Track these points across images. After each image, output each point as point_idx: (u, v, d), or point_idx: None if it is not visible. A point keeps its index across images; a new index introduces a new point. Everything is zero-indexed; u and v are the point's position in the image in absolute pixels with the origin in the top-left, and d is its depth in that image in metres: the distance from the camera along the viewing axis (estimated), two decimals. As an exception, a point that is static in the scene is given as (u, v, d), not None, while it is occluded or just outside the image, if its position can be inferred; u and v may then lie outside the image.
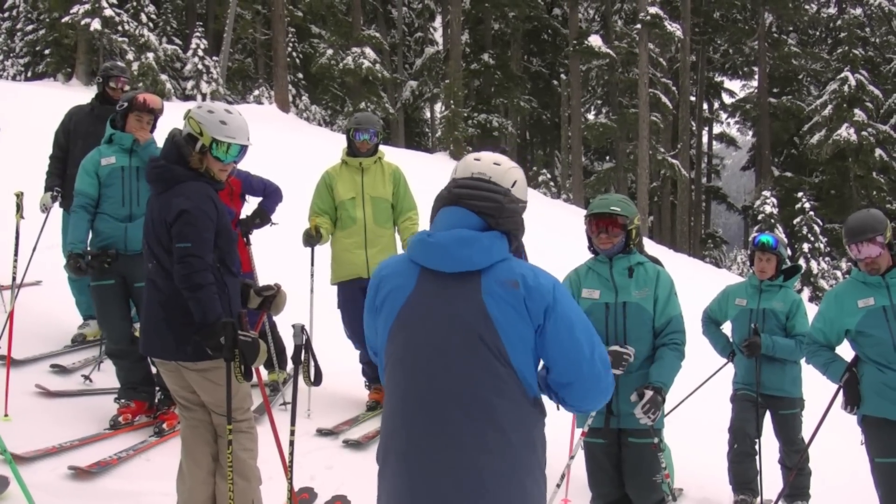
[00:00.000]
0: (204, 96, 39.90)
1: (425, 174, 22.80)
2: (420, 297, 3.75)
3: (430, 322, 3.70)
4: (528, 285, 3.66)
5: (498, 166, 4.01)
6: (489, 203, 3.78)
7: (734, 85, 65.60)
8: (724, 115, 65.38)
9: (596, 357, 3.77)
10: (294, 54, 49.72)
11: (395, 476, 3.69)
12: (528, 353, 3.69)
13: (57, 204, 9.57)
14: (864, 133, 45.79)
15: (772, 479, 8.70)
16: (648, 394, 6.04)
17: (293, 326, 5.78)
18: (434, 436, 3.60)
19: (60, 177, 9.53)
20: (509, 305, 3.64)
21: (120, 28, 39.66)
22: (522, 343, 3.66)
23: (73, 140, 9.47)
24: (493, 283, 3.67)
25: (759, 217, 44.38)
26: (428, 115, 61.22)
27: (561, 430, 7.58)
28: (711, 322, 8.96)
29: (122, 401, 8.00)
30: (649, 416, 6.04)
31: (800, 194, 45.95)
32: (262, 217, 8.98)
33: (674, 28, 45.13)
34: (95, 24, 38.15)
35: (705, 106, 61.96)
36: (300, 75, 50.74)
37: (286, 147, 22.53)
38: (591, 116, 56.38)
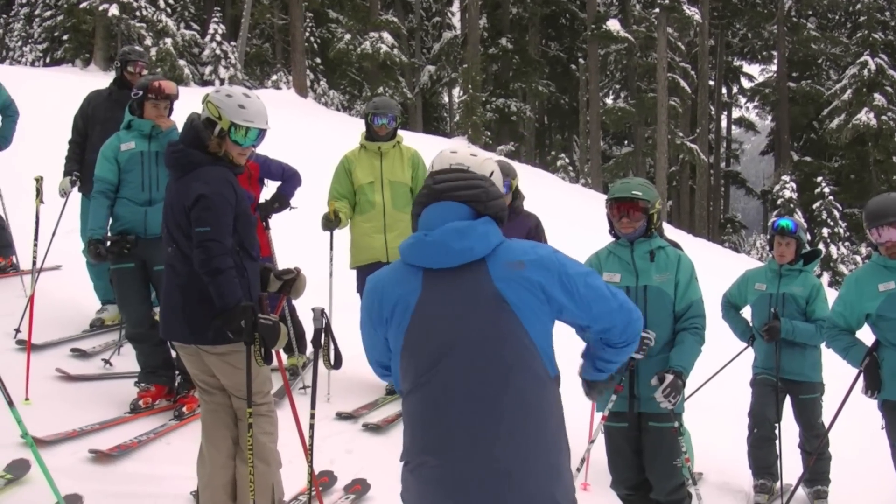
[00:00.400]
0: (222, 81, 39.94)
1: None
2: (431, 299, 3.73)
3: (448, 320, 3.67)
4: (531, 261, 3.68)
5: (475, 157, 4.11)
6: (474, 191, 3.80)
7: (753, 69, 65.45)
8: (742, 100, 65.15)
9: (618, 294, 3.87)
10: (312, 39, 49.78)
11: (431, 473, 3.68)
12: (545, 330, 3.72)
13: (76, 189, 9.58)
14: (883, 117, 45.54)
15: (792, 463, 8.68)
16: (669, 377, 6.04)
17: (313, 310, 5.77)
18: (469, 429, 3.59)
19: (79, 161, 9.54)
20: (520, 286, 3.65)
21: (138, 13, 39.73)
22: (539, 321, 3.67)
23: (91, 125, 9.47)
24: (500, 267, 3.67)
25: (779, 202, 44.25)
26: (446, 99, 61.22)
27: (581, 414, 7.56)
28: (731, 307, 8.93)
29: (143, 384, 8.02)
30: (670, 399, 6.03)
31: (819, 179, 45.82)
32: (281, 201, 8.96)
33: (692, 12, 44.97)
34: (113, 10, 38.23)
35: (724, 90, 61.76)
36: (318, 60, 50.75)
37: (304, 132, 22.52)
38: (609, 101, 56.11)
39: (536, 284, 3.65)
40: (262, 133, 5.98)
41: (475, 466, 3.56)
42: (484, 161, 4.10)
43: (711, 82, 55.83)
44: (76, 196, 9.67)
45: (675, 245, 6.84)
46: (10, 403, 5.92)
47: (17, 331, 8.81)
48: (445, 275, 3.71)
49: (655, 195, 6.44)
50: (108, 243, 7.87)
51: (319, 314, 5.74)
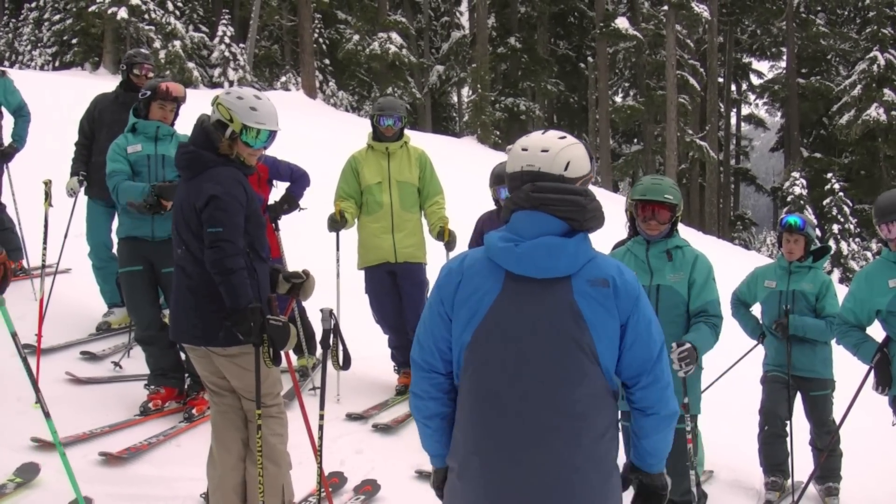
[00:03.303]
0: (231, 83, 40.04)
1: (452, 158, 22.81)
2: (509, 302, 3.70)
3: (521, 326, 3.67)
4: (616, 283, 3.69)
5: (546, 153, 3.81)
6: (571, 207, 3.71)
7: (762, 66, 65.42)
8: (752, 97, 65.10)
9: (663, 358, 3.83)
10: (320, 40, 49.86)
11: (481, 476, 3.67)
12: (614, 349, 3.72)
13: (82, 191, 9.59)
14: (893, 112, 45.38)
15: (803, 460, 8.66)
16: (687, 345, 6.06)
17: (321, 311, 5.78)
18: (524, 436, 3.61)
19: (85, 163, 9.55)
20: (599, 304, 3.66)
21: (146, 16, 39.79)
22: (610, 340, 3.69)
23: (98, 128, 9.47)
24: (583, 283, 3.67)
25: (789, 198, 44.13)
26: (455, 99, 61.26)
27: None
28: (741, 304, 8.91)
29: (152, 387, 8.03)
30: (683, 365, 6.04)
31: (829, 175, 45.66)
32: (291, 202, 8.97)
33: (701, 9, 44.95)
34: (122, 13, 38.31)
35: (733, 87, 61.75)
36: (327, 61, 50.84)
37: (314, 133, 22.55)
38: (618, 99, 56.11)
39: (613, 305, 3.68)
40: (272, 134, 5.98)
41: (523, 474, 3.59)
42: (557, 155, 3.80)
43: (721, 79, 55.82)
44: (84, 199, 9.67)
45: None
46: (47, 416, 5.91)
47: (38, 336, 8.77)
48: (527, 282, 3.69)
49: (681, 196, 6.46)
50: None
51: (328, 315, 5.75)
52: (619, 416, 3.88)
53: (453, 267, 3.91)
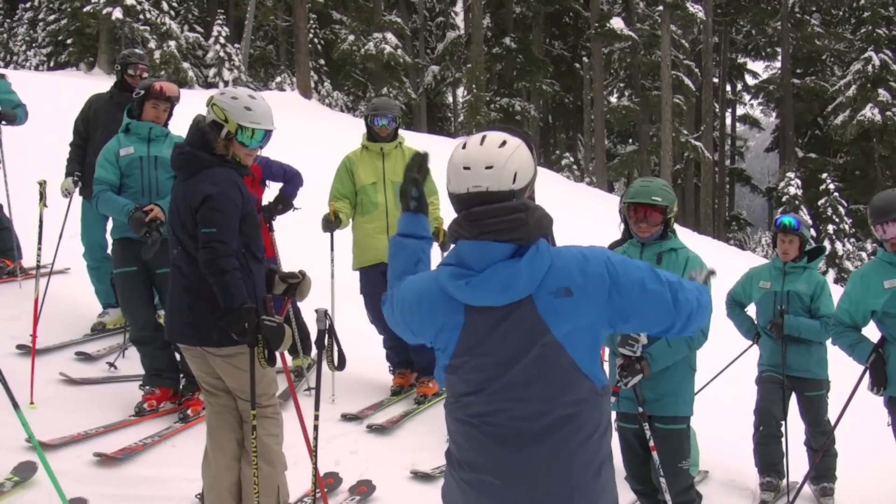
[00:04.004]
0: (226, 83, 40.00)
1: (447, 159, 22.82)
2: (474, 334, 3.58)
3: (493, 354, 3.56)
4: (579, 287, 3.53)
5: (491, 170, 3.53)
6: (512, 226, 3.49)
7: (757, 66, 65.42)
8: (747, 97, 65.27)
9: (679, 296, 3.68)
10: (315, 40, 49.79)
11: (472, 484, 3.65)
12: (595, 350, 3.64)
13: (77, 192, 9.58)
14: (888, 113, 45.55)
15: (798, 460, 8.67)
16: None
17: (316, 311, 5.79)
18: (513, 454, 3.56)
19: (80, 164, 9.54)
20: (569, 313, 3.52)
21: (141, 17, 39.78)
22: (589, 345, 3.60)
23: (92, 128, 9.46)
24: (546, 297, 3.51)
25: (784, 199, 44.26)
26: (450, 99, 61.26)
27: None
28: (735, 304, 8.92)
29: (147, 387, 8.02)
30: (622, 377, 6.06)
31: (824, 175, 45.82)
32: (285, 203, 8.97)
33: (696, 9, 45.04)
34: (117, 13, 38.33)
35: (728, 87, 61.87)
36: (322, 61, 50.84)
37: (309, 133, 22.52)
38: (613, 99, 56.13)
39: (585, 311, 3.54)
40: (268, 134, 5.99)
41: (517, 489, 3.57)
42: (504, 168, 3.53)
43: (716, 80, 55.92)
44: (78, 199, 9.67)
45: None
46: (16, 406, 5.92)
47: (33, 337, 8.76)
48: (489, 310, 3.55)
49: (673, 197, 6.45)
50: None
51: (323, 315, 5.76)
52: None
53: (411, 299, 3.76)
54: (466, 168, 3.56)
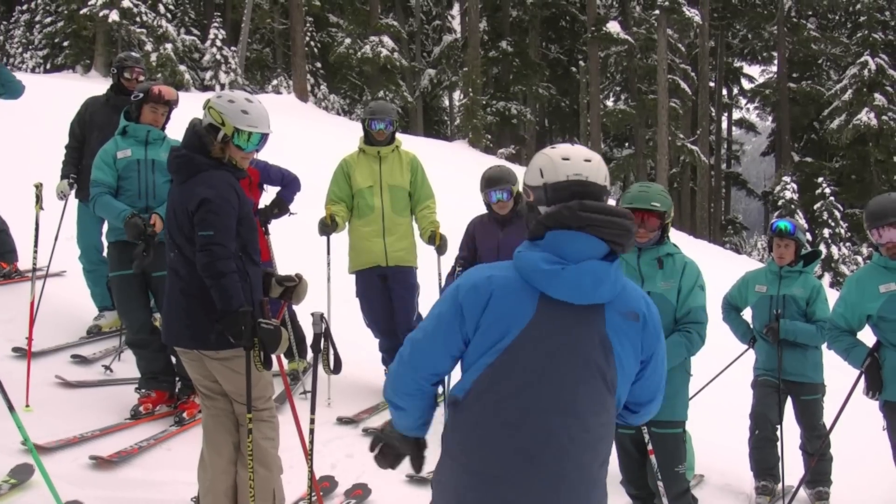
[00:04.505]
0: (222, 86, 39.98)
1: (444, 162, 22.80)
2: (540, 327, 3.55)
3: (550, 352, 3.54)
4: (645, 318, 3.66)
5: (589, 163, 3.68)
6: (618, 230, 3.57)
7: (753, 70, 65.52)
8: (743, 101, 65.24)
9: (664, 381, 3.90)
10: (312, 43, 49.80)
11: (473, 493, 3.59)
12: (628, 383, 3.71)
13: (73, 194, 9.58)
14: (884, 117, 45.62)
15: (793, 464, 8.68)
16: None
17: (312, 315, 5.79)
18: (536, 464, 3.52)
19: (76, 166, 9.53)
20: (628, 339, 3.61)
21: (138, 19, 39.72)
22: (627, 375, 3.67)
23: (88, 131, 9.45)
24: (615, 315, 3.59)
25: (780, 203, 44.27)
26: (446, 102, 61.27)
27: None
28: (731, 308, 8.93)
29: (143, 390, 8.02)
30: None
31: (820, 179, 45.81)
32: (281, 207, 8.97)
33: (692, 13, 45.07)
34: (114, 16, 38.25)
35: (724, 91, 61.83)
36: (318, 64, 50.81)
37: (305, 137, 22.54)
38: (609, 103, 56.13)
39: (639, 340, 3.64)
40: (264, 137, 5.98)
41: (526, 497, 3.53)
42: (600, 166, 3.70)
43: (712, 83, 55.94)
44: (74, 201, 9.66)
45: None
46: (11, 409, 5.93)
47: (28, 340, 8.75)
48: (562, 308, 3.55)
49: (671, 202, 6.46)
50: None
51: (319, 319, 5.76)
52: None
53: (479, 284, 3.66)
54: (566, 159, 3.67)
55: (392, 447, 3.98)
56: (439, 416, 3.84)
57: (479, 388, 3.61)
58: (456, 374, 3.81)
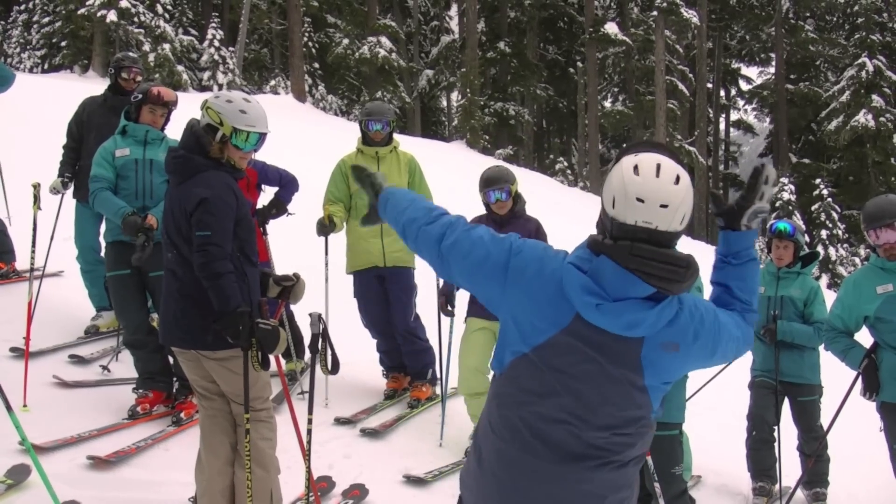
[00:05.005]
0: (220, 87, 39.96)
1: (442, 163, 22.80)
2: (571, 339, 3.49)
3: (579, 366, 3.49)
4: (687, 346, 3.54)
5: (665, 210, 3.40)
6: (668, 276, 3.39)
7: (751, 71, 65.51)
8: (741, 102, 65.37)
9: (718, 353, 3.69)
10: (310, 44, 49.77)
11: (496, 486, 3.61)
12: (666, 389, 3.62)
13: (70, 194, 9.57)
14: (882, 119, 45.66)
15: (790, 465, 8.69)
16: None
17: (310, 315, 5.79)
18: (578, 474, 3.51)
19: (73, 166, 9.52)
20: (664, 366, 3.53)
21: (136, 19, 39.70)
22: (664, 388, 3.60)
23: (86, 131, 9.44)
24: (655, 346, 3.49)
25: (777, 204, 44.24)
26: (444, 103, 61.26)
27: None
28: (729, 310, 8.93)
29: (140, 391, 8.01)
30: None
31: (818, 181, 45.82)
32: (279, 207, 8.97)
33: (690, 15, 45.11)
34: (111, 16, 38.22)
35: (722, 93, 61.91)
36: (316, 65, 50.77)
37: (303, 137, 22.53)
38: (607, 104, 56.21)
39: (679, 365, 3.58)
40: (262, 137, 5.98)
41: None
42: (676, 211, 3.44)
43: (710, 85, 55.94)
44: (71, 202, 9.65)
45: None
46: (9, 409, 5.93)
47: (26, 340, 8.73)
48: (597, 330, 3.47)
49: None
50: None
51: (316, 319, 5.75)
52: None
53: (536, 255, 3.65)
54: (640, 200, 3.41)
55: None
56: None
57: (510, 374, 3.63)
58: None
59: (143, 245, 7.48)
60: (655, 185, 3.40)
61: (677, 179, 3.44)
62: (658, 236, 3.42)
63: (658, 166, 3.44)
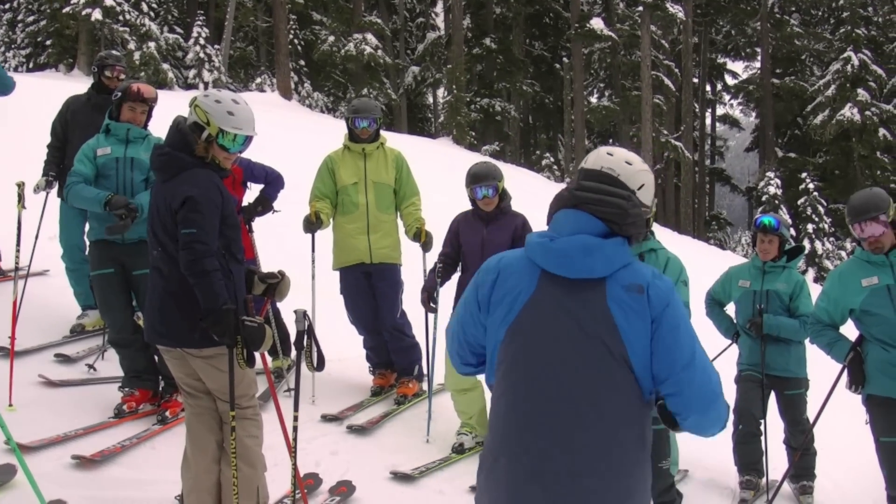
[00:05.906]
0: (206, 85, 39.93)
1: (428, 159, 22.80)
2: (541, 301, 3.66)
3: (552, 327, 3.61)
4: (649, 290, 3.61)
5: (629, 166, 3.86)
6: (612, 209, 3.66)
7: (737, 66, 65.82)
8: (727, 97, 65.42)
9: (696, 364, 3.66)
10: (296, 41, 49.77)
11: (506, 476, 3.60)
12: (647, 356, 3.61)
13: (55, 193, 9.53)
14: (867, 113, 45.70)
15: (777, 459, 8.71)
16: None
17: (295, 312, 5.79)
18: (551, 440, 3.54)
19: (57, 165, 9.49)
20: (634, 311, 3.58)
21: (121, 18, 39.62)
22: (643, 347, 3.59)
23: (70, 130, 9.42)
24: (617, 288, 3.59)
25: (764, 198, 44.41)
26: (430, 100, 61.20)
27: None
28: (715, 303, 8.96)
29: (126, 389, 7.99)
30: None
31: (804, 175, 45.92)
32: (265, 204, 8.96)
33: (676, 10, 45.16)
34: (96, 14, 38.14)
35: (708, 87, 61.99)
36: (302, 62, 50.79)
37: (289, 134, 22.49)
38: (593, 99, 56.29)
39: (647, 311, 3.59)
40: (248, 139, 5.98)
41: (548, 472, 3.52)
42: (638, 172, 3.88)
43: (696, 80, 56.03)
44: (55, 201, 9.62)
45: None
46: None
47: (11, 339, 8.70)
48: (562, 282, 3.64)
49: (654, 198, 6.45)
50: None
51: (302, 316, 5.75)
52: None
53: (490, 265, 3.87)
54: (610, 154, 3.91)
55: None
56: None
57: (499, 361, 3.75)
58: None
59: (122, 217, 7.47)
60: (625, 151, 3.96)
61: (635, 162, 3.93)
62: (614, 182, 3.80)
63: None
